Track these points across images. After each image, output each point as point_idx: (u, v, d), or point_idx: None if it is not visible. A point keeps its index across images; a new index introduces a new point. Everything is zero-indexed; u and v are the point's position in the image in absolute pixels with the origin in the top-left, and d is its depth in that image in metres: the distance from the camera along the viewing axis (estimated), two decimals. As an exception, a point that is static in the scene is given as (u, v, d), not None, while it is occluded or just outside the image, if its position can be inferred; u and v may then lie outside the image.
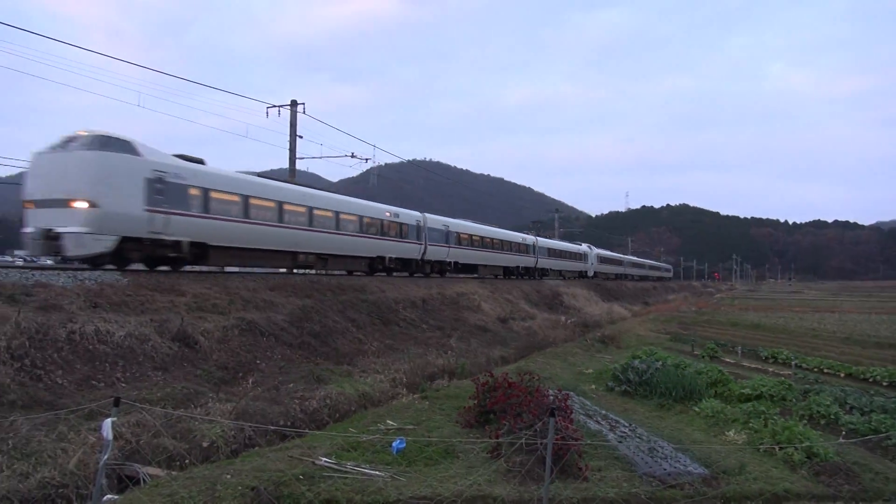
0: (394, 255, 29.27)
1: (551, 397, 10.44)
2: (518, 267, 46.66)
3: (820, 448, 9.53)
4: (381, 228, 28.54)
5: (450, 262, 35.12)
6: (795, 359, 20.54)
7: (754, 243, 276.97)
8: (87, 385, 10.34)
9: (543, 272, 52.06)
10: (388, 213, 29.26)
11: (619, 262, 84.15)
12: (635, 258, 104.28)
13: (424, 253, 32.23)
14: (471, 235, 38.47)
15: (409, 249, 31.10)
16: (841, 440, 10.70)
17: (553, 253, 55.32)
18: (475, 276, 39.53)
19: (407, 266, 31.36)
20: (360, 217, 26.74)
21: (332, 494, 7.19)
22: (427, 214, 33.36)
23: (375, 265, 28.49)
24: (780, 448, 9.73)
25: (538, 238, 53.02)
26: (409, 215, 31.55)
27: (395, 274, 30.35)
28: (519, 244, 46.83)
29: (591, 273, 67.10)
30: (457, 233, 36.24)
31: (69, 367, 10.56)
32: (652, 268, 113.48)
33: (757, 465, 9.12)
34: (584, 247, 68.31)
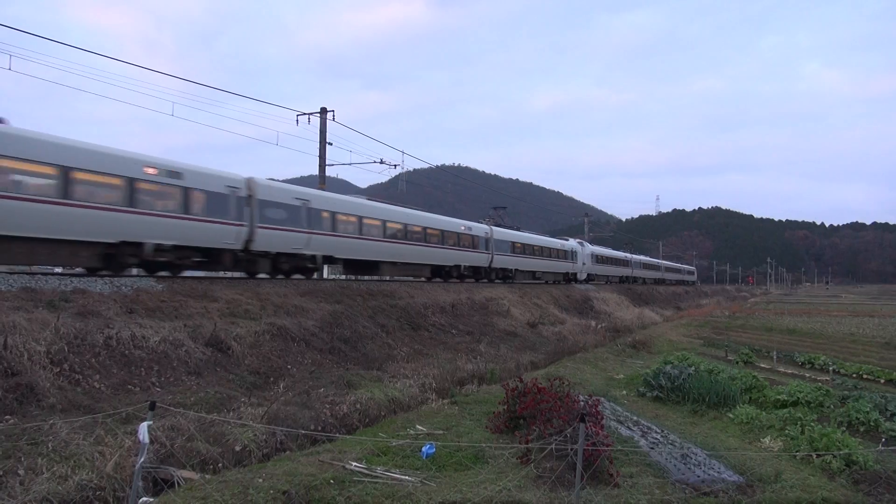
0: (170, 242, 17.67)
1: (582, 403, 10.37)
2: (460, 266, 33.61)
3: (859, 455, 9.31)
4: (132, 196, 16.54)
5: (313, 256, 22.73)
6: (833, 364, 20.11)
7: (789, 246, 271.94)
8: (124, 389, 10.56)
9: (504, 273, 39.31)
10: (151, 171, 17.21)
11: (623, 263, 68.75)
12: (646, 258, 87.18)
13: (251, 240, 19.80)
14: (360, 218, 25.10)
15: (210, 233, 18.76)
16: (881, 447, 10.44)
17: (520, 249, 41.37)
18: (377, 278, 28.82)
19: (215, 261, 19.69)
20: (65, 171, 14.98)
21: (363, 499, 7.23)
22: (259, 179, 20.78)
23: (123, 257, 16.77)
24: (818, 455, 9.53)
25: (495, 228, 38.71)
26: (211, 178, 19.09)
27: (188, 273, 20.46)
28: (459, 235, 33.25)
29: (582, 275, 53.03)
30: (328, 213, 23.23)
31: (106, 371, 10.79)
32: (670, 270, 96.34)
33: (793, 472, 8.94)
34: (571, 242, 53.51)
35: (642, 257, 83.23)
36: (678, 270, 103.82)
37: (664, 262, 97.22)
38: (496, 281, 28.01)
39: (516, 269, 40.57)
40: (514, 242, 40.66)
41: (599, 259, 58.66)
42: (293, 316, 16.55)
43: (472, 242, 35.04)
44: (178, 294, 15.24)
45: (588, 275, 54.55)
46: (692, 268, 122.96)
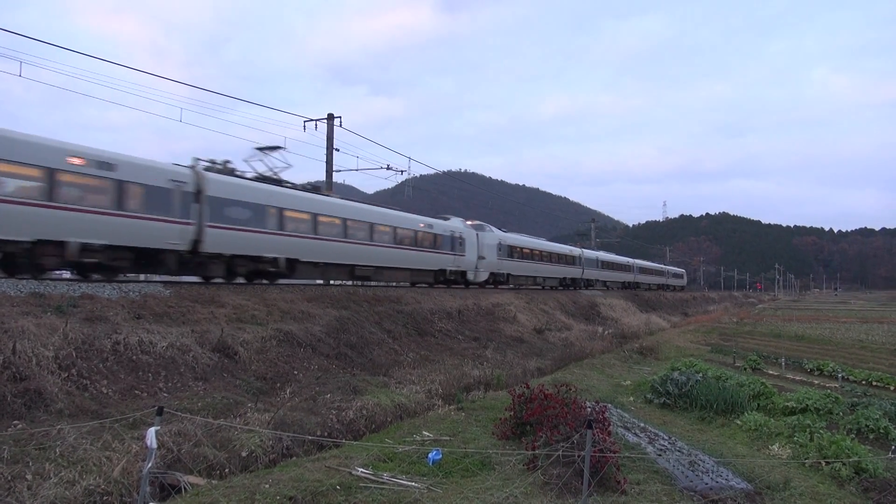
0: None
1: (589, 409, 10.34)
2: (65, 245, 15.04)
3: (869, 463, 9.26)
4: None
5: None
6: (842, 371, 20.00)
7: (797, 252, 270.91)
8: (131, 394, 10.59)
9: (257, 268, 21.04)
10: None
11: (564, 260, 49.14)
12: (607, 255, 64.95)
13: None
14: None
15: None
16: (891, 455, 10.36)
17: (304, 224, 22.44)
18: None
19: None
20: None
21: (369, 505, 7.22)
22: None
23: None
24: (827, 463, 9.47)
25: (214, 177, 19.42)
26: None
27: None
28: (48, 174, 14.60)
29: (479, 275, 35.37)
30: None
31: (114, 376, 10.83)
32: (646, 272, 76.40)
33: (802, 480, 8.89)
34: (454, 223, 34.23)
35: (601, 253, 62.06)
36: (660, 273, 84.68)
37: (638, 261, 76.61)
38: (238, 282, 19.69)
39: (297, 260, 21.79)
40: (280, 210, 21.05)
41: (516, 252, 40.35)
42: (300, 321, 16.58)
43: (118, 198, 16.32)
44: (185, 299, 15.30)
45: (493, 274, 37.05)
46: (681, 270, 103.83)
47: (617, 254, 74.81)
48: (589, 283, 54.53)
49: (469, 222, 36.72)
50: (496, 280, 37.78)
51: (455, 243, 32.65)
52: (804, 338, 33.21)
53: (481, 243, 35.83)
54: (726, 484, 8.60)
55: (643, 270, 75.02)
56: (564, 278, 49.20)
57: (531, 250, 43.33)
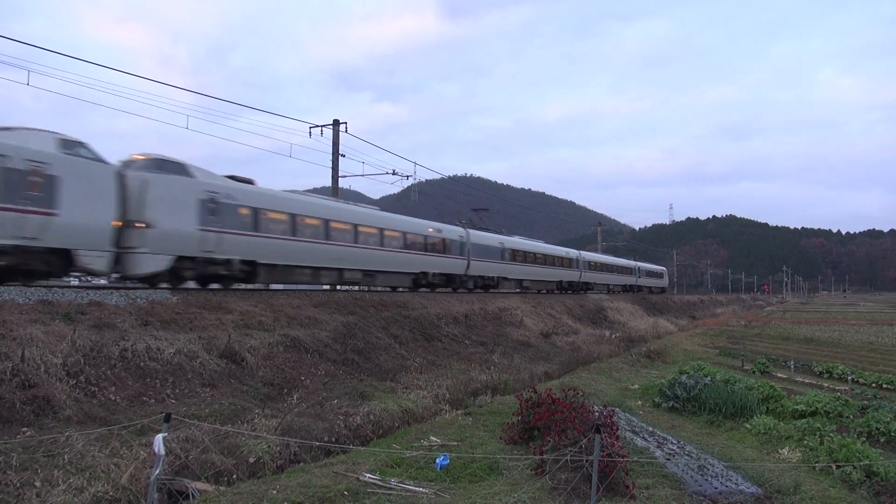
0: None
1: (596, 413, 10.30)
2: None
3: (880, 466, 9.18)
4: None
5: None
6: (852, 374, 19.87)
7: (805, 254, 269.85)
8: (139, 401, 10.61)
9: None
10: None
11: (418, 245, 28.31)
12: (527, 242, 42.55)
13: None
14: None
15: None
16: (903, 459, 10.27)
17: None
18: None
19: None
20: None
21: (377, 511, 7.20)
22: None
23: None
24: (838, 466, 9.41)
25: None
26: None
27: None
28: None
29: (130, 263, 15.99)
30: None
31: (122, 383, 10.85)
32: (599, 268, 55.20)
33: (813, 484, 8.82)
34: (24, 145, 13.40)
35: (513, 239, 40.25)
36: (626, 270, 64.06)
37: (586, 253, 55.30)
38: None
39: None
40: None
41: (279, 222, 20.40)
42: (307, 327, 16.59)
43: None
44: (192, 306, 15.32)
45: (190, 260, 17.44)
46: (660, 268, 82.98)
47: (623, 257, 72.72)
48: (486, 284, 35.10)
49: (139, 155, 17.27)
50: (204, 275, 18.71)
51: (16, 187, 13.47)
52: (813, 340, 33.01)
53: (142, 195, 16.29)
54: (736, 488, 8.55)
55: (596, 266, 54.41)
56: (425, 273, 28.89)
57: (327, 221, 22.65)
